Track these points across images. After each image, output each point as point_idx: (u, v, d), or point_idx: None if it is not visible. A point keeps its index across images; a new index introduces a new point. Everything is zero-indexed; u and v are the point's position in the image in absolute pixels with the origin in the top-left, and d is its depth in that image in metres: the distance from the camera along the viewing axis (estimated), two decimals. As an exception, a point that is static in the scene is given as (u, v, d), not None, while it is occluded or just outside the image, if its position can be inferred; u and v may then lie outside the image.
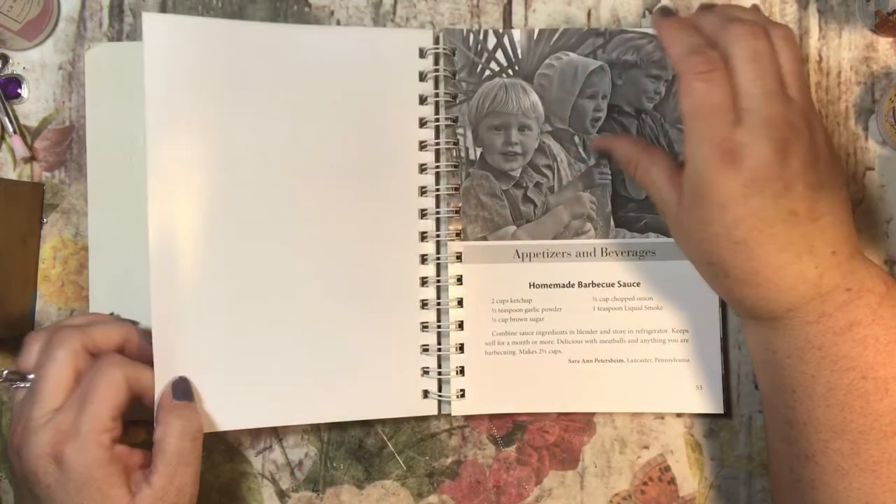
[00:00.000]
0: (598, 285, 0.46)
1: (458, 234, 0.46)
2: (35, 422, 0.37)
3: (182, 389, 0.41)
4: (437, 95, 0.46)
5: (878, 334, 0.36)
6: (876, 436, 0.36)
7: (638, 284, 0.46)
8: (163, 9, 0.48)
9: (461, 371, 0.46)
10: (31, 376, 0.39)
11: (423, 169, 0.46)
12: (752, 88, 0.36)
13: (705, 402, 0.46)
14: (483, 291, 0.46)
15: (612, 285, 0.46)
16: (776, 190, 0.35)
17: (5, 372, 0.40)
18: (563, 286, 0.46)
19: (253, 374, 0.44)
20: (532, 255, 0.46)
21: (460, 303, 0.46)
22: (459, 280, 0.46)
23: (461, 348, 0.46)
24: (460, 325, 0.46)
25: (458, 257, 0.46)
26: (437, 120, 0.46)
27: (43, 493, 0.37)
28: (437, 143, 0.46)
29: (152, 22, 0.42)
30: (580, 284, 0.46)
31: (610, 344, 0.46)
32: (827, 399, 0.37)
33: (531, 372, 0.46)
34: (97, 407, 0.38)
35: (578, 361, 0.46)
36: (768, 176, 0.35)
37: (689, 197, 0.38)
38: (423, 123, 0.46)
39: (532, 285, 0.46)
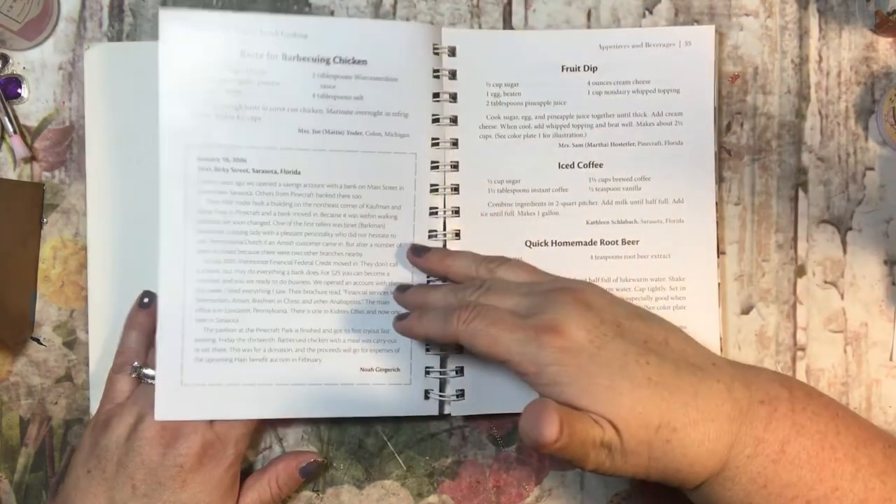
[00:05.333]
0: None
1: (456, 235, 0.46)
2: (194, 423, 0.42)
3: (311, 470, 0.46)
4: (447, 93, 0.46)
5: (807, 446, 0.35)
6: None
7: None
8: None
9: (460, 371, 0.46)
10: None
11: (434, 166, 0.46)
12: (513, 297, 0.38)
13: None
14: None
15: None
16: (613, 330, 0.36)
17: (153, 372, 0.43)
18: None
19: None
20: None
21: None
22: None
23: (460, 349, 0.46)
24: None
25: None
26: (448, 116, 0.46)
27: (179, 478, 0.41)
28: (447, 141, 0.46)
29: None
30: None
31: None
32: None
33: None
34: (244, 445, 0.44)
35: None
36: (595, 323, 0.36)
37: (588, 401, 0.34)
38: (435, 119, 0.46)
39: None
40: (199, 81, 0.44)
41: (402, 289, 0.44)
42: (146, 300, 0.46)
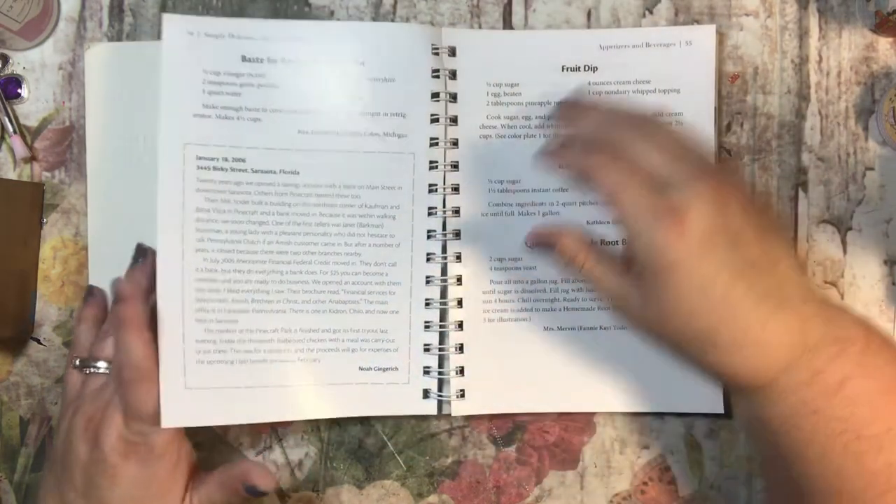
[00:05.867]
0: None
1: (456, 235, 0.46)
2: (113, 412, 0.40)
3: (254, 493, 0.41)
4: (447, 93, 0.46)
5: (869, 387, 0.35)
6: (872, 495, 0.35)
7: None
8: (163, 8, 0.48)
9: (461, 371, 0.46)
10: (104, 364, 0.41)
11: (433, 166, 0.46)
12: (658, 160, 0.36)
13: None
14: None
15: None
16: (729, 240, 0.35)
17: (89, 361, 0.42)
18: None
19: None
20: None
21: (460, 303, 0.46)
22: (459, 280, 0.46)
23: (461, 349, 0.46)
24: (460, 326, 0.46)
25: (458, 257, 0.46)
26: (448, 116, 0.46)
27: (108, 474, 0.39)
28: (447, 141, 0.46)
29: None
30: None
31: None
32: (821, 464, 0.36)
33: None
34: None
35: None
36: (716, 227, 0.35)
37: (651, 279, 0.36)
38: (434, 119, 0.46)
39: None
40: (201, 84, 0.44)
41: (564, 103, 0.42)
42: (88, 297, 0.45)
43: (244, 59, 0.44)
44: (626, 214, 0.36)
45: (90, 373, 0.42)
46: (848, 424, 0.35)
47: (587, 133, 0.39)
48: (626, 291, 0.37)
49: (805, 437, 0.35)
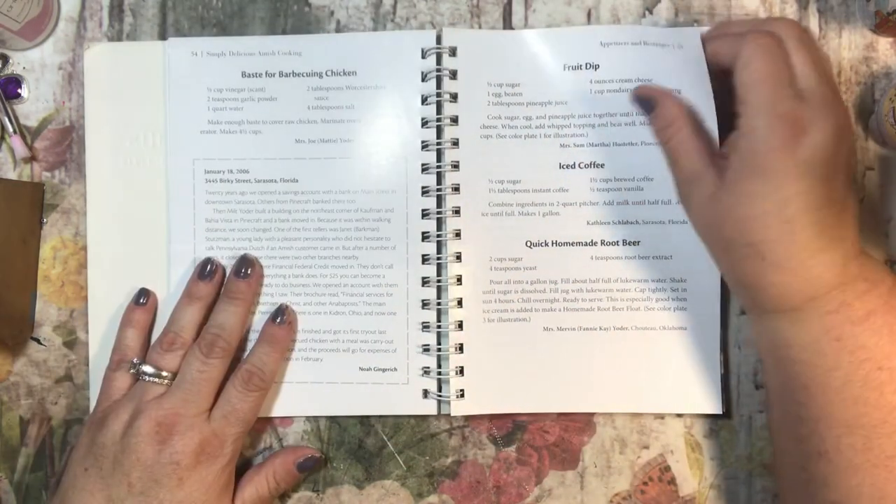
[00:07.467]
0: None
1: (456, 234, 0.46)
2: (190, 419, 0.41)
3: (308, 466, 0.46)
4: (438, 95, 0.46)
5: (892, 321, 0.37)
6: (888, 429, 0.36)
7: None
8: (163, 8, 0.48)
9: (461, 371, 0.46)
10: (166, 374, 0.43)
11: (425, 169, 0.46)
12: (809, 70, 0.37)
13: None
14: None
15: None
16: (826, 173, 0.36)
17: (150, 369, 0.43)
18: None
19: None
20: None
21: (460, 303, 0.46)
22: (459, 280, 0.46)
23: (461, 348, 0.46)
24: (460, 326, 0.46)
25: (458, 257, 0.46)
26: (440, 119, 0.46)
27: (176, 475, 0.41)
28: (440, 143, 0.46)
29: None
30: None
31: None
32: (842, 393, 0.37)
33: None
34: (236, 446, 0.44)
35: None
36: (824, 157, 0.36)
37: (739, 171, 0.37)
38: (425, 123, 0.46)
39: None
40: (205, 102, 0.46)
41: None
42: (142, 299, 0.46)
43: (244, 74, 0.46)
44: (756, 102, 0.37)
45: (147, 381, 0.43)
46: (871, 353, 0.36)
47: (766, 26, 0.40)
48: (705, 173, 0.39)
49: (829, 363, 0.37)
